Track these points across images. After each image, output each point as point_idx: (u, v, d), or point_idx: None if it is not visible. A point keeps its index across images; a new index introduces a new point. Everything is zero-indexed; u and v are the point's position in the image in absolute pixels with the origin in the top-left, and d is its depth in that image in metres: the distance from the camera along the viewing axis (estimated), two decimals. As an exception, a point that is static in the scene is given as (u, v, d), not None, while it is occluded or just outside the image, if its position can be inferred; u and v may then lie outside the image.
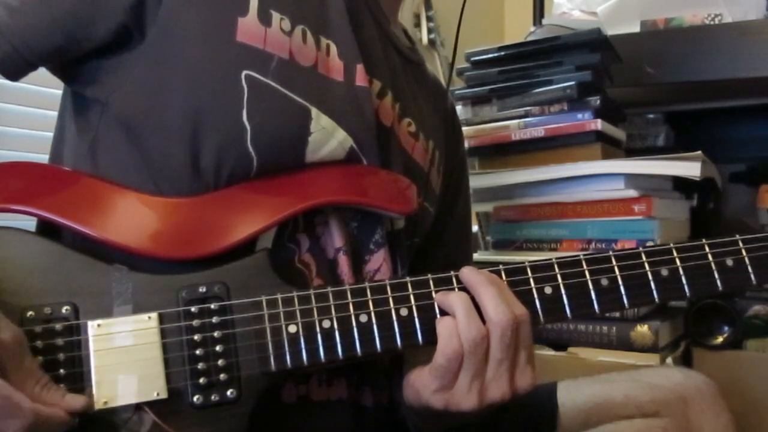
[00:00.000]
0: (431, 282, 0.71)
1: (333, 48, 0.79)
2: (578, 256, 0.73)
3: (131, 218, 0.72)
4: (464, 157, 1.07)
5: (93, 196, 0.72)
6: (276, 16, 0.75)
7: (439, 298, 0.71)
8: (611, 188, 1.19)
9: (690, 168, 1.14)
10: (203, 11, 0.73)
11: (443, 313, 0.70)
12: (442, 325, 0.68)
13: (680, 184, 1.29)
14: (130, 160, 0.74)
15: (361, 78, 0.79)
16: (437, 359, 0.68)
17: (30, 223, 0.73)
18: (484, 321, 0.68)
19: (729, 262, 0.73)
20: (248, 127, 0.71)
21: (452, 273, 0.72)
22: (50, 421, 0.59)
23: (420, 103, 0.92)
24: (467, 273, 0.71)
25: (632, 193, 1.18)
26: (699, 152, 1.14)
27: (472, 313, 0.68)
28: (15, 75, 0.75)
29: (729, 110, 1.55)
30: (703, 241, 0.74)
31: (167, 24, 0.72)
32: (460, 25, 0.97)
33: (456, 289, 0.71)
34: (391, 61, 0.87)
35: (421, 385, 0.70)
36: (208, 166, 0.72)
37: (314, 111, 0.74)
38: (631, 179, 1.18)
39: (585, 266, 0.73)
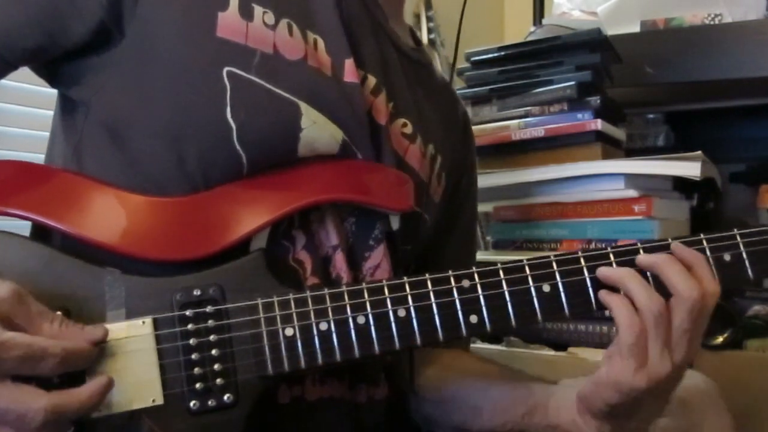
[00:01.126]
0: (429, 282, 0.71)
1: (321, 43, 0.77)
2: (576, 253, 0.73)
3: (122, 219, 0.70)
4: (474, 166, 1.05)
5: (82, 196, 0.71)
6: (258, 10, 0.74)
7: (606, 272, 0.70)
8: (611, 188, 1.19)
9: (690, 168, 1.14)
10: (181, 7, 0.72)
11: (600, 287, 0.70)
12: (619, 302, 0.68)
13: (680, 184, 1.29)
14: (115, 163, 0.73)
15: (350, 74, 0.78)
16: (626, 338, 0.67)
17: (22, 224, 0.71)
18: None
19: (727, 257, 0.73)
20: (233, 126, 0.70)
21: (450, 272, 0.71)
22: (78, 353, 0.60)
23: (421, 105, 0.90)
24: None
25: (632, 193, 1.18)
26: (699, 152, 1.14)
27: (648, 285, 0.68)
28: None
29: (729, 110, 1.55)
30: (701, 236, 0.74)
31: (145, 21, 0.71)
32: (460, 27, 0.96)
33: (454, 289, 0.70)
34: (387, 58, 0.86)
35: (617, 378, 0.68)
36: (195, 167, 0.71)
37: (303, 106, 0.73)
38: (631, 179, 1.18)
39: (583, 263, 0.72)
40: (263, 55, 0.73)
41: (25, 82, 1.22)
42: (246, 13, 0.73)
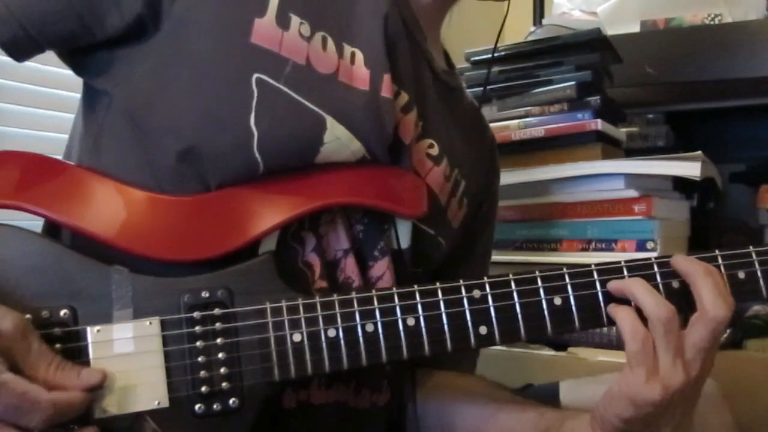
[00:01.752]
0: (440, 291, 0.69)
1: (359, 56, 0.76)
2: (589, 266, 0.71)
3: (131, 216, 0.69)
4: (497, 193, 1.04)
5: (91, 192, 0.70)
6: (295, 20, 0.73)
7: (614, 284, 0.69)
8: (611, 188, 1.19)
9: (690, 168, 1.14)
10: (219, 8, 0.71)
11: (612, 301, 0.69)
12: (624, 313, 0.67)
13: (680, 184, 1.29)
14: (133, 157, 0.72)
15: (386, 89, 0.76)
16: (630, 347, 0.66)
17: (32, 219, 0.70)
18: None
19: (741, 274, 0.72)
20: (255, 133, 0.69)
21: (461, 282, 0.70)
22: (69, 406, 0.59)
23: (450, 128, 0.89)
24: (682, 260, 0.70)
25: (632, 193, 1.18)
26: (699, 152, 1.14)
27: (656, 293, 0.68)
28: (21, 57, 0.73)
29: (729, 110, 1.55)
30: (717, 252, 0.72)
31: (181, 18, 0.70)
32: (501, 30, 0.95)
33: (464, 299, 0.69)
34: (421, 78, 0.85)
35: (628, 390, 0.66)
36: (211, 168, 0.70)
37: (330, 120, 0.72)
38: (631, 179, 1.18)
39: (596, 276, 0.71)
40: (295, 66, 0.72)
41: (25, 82, 1.22)
42: (283, 21, 0.72)
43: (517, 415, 0.80)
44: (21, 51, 0.72)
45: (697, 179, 1.14)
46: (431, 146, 0.85)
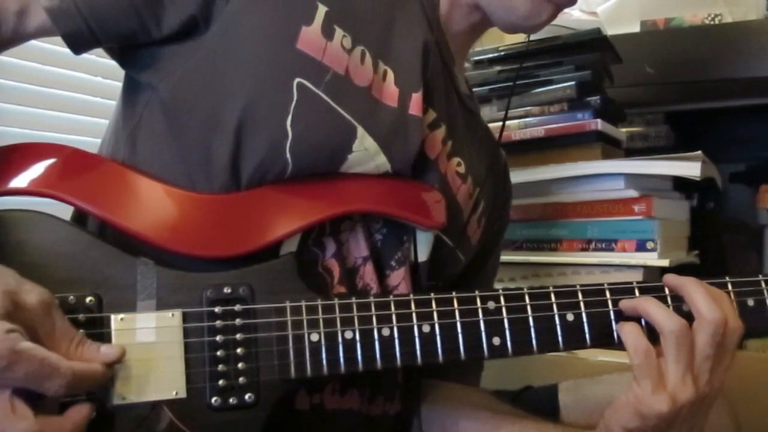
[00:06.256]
0: (455, 300, 0.71)
1: (390, 74, 0.79)
2: (602, 285, 0.73)
3: (159, 211, 0.72)
4: (509, 213, 1.06)
5: (123, 186, 0.73)
6: (339, 32, 0.75)
7: (625, 303, 0.71)
8: (611, 188, 1.19)
9: (690, 168, 1.14)
10: (269, 13, 0.73)
11: (623, 320, 0.71)
12: (628, 329, 0.69)
13: (680, 184, 1.29)
14: (168, 151, 0.74)
15: (415, 107, 0.79)
16: (633, 360, 0.68)
17: (59, 208, 0.71)
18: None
19: (750, 302, 0.74)
20: (290, 134, 0.71)
21: (476, 293, 0.71)
22: (88, 376, 0.59)
23: (471, 150, 0.92)
24: (671, 276, 0.72)
25: (632, 193, 1.18)
26: (699, 152, 1.14)
27: (667, 308, 0.69)
28: (80, 50, 0.75)
29: (729, 110, 1.55)
30: (726, 279, 0.74)
31: (232, 21, 0.73)
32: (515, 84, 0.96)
33: (479, 310, 0.71)
34: (450, 99, 0.87)
35: (634, 401, 0.67)
36: (245, 164, 0.72)
37: (360, 130, 0.74)
38: (631, 179, 1.18)
39: (608, 295, 0.73)
40: (335, 75, 0.74)
41: (25, 82, 1.22)
42: (328, 32, 0.75)
43: (518, 430, 0.81)
44: (80, 44, 0.74)
45: (697, 179, 1.14)
46: (459, 164, 0.88)
